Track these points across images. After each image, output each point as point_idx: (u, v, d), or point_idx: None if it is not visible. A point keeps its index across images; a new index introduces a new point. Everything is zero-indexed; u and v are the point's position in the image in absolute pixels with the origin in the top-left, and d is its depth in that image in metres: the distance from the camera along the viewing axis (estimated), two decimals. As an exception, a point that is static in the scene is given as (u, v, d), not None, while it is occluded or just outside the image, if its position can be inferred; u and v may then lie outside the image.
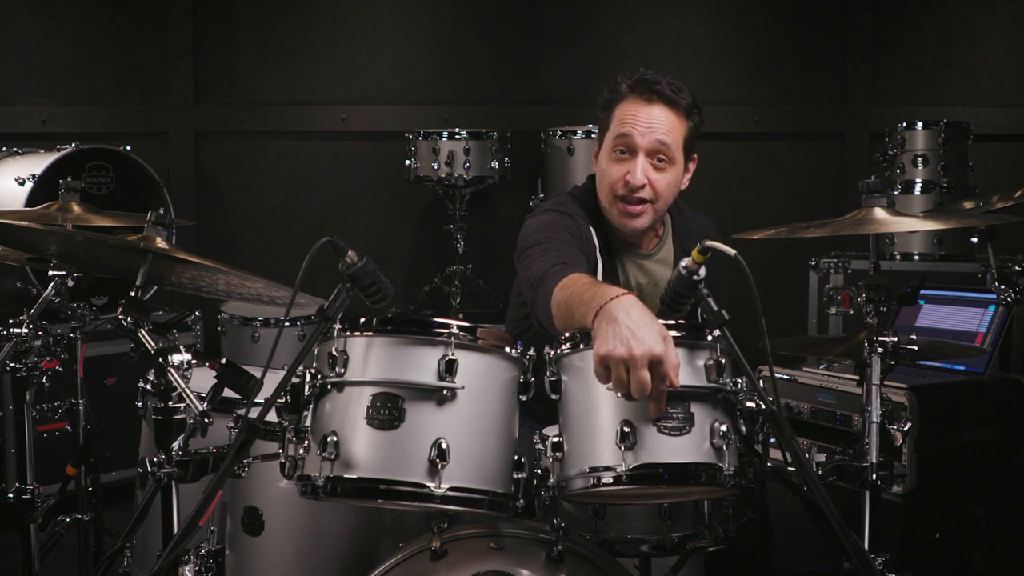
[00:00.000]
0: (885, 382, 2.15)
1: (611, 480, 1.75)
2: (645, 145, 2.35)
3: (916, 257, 4.16)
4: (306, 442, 1.81)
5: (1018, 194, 2.79)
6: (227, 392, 1.95)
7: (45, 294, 2.57)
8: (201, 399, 1.95)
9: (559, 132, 4.68)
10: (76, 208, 2.72)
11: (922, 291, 2.35)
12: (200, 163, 5.18)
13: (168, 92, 5.11)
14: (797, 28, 5.24)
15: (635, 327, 1.70)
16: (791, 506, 2.04)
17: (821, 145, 5.28)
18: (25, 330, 2.50)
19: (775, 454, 1.81)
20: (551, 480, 1.85)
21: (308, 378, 1.83)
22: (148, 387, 2.20)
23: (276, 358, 1.88)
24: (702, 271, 1.83)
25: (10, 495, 2.56)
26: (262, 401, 1.81)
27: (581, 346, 1.84)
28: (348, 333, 1.83)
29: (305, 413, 1.82)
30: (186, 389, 1.95)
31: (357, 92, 5.23)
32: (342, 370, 1.81)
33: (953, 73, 5.09)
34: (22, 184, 3.86)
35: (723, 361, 1.79)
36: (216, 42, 5.16)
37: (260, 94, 5.21)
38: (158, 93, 5.11)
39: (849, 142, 5.22)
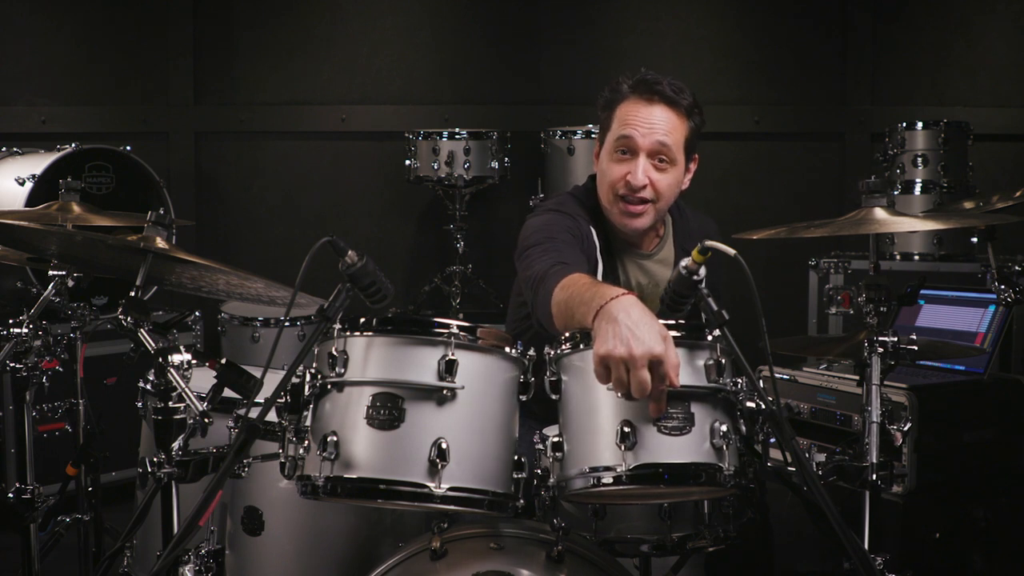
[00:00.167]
0: (885, 382, 2.15)
1: (611, 480, 1.75)
2: (646, 146, 2.35)
3: (916, 257, 4.16)
4: (306, 442, 1.81)
5: (1018, 194, 2.79)
6: (227, 392, 1.95)
7: (45, 294, 2.57)
8: (201, 399, 1.95)
9: (559, 132, 4.68)
10: (76, 208, 2.72)
11: (922, 291, 2.35)
12: (200, 163, 5.18)
13: (168, 92, 5.11)
14: (797, 28, 5.24)
15: (635, 327, 1.70)
16: (791, 506, 2.04)
17: (821, 145, 5.28)
18: (25, 330, 2.50)
19: (775, 454, 1.81)
20: (551, 480, 1.85)
21: (308, 378, 1.83)
22: (148, 387, 2.20)
23: (276, 358, 1.88)
24: (702, 271, 1.83)
25: (10, 495, 2.56)
26: (262, 401, 1.81)
27: (581, 346, 1.84)
28: (348, 333, 1.83)
29: (305, 413, 1.82)
30: (186, 389, 1.95)
31: (357, 92, 5.23)
32: (342, 370, 1.81)
33: (953, 73, 5.09)
34: (22, 184, 3.86)
35: (723, 361, 1.79)
36: (216, 42, 5.16)
37: (260, 94, 5.21)
38: (158, 93, 5.11)
39: (849, 142, 5.22)
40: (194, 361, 2.01)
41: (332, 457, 1.76)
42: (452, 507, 1.80)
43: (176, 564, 2.08)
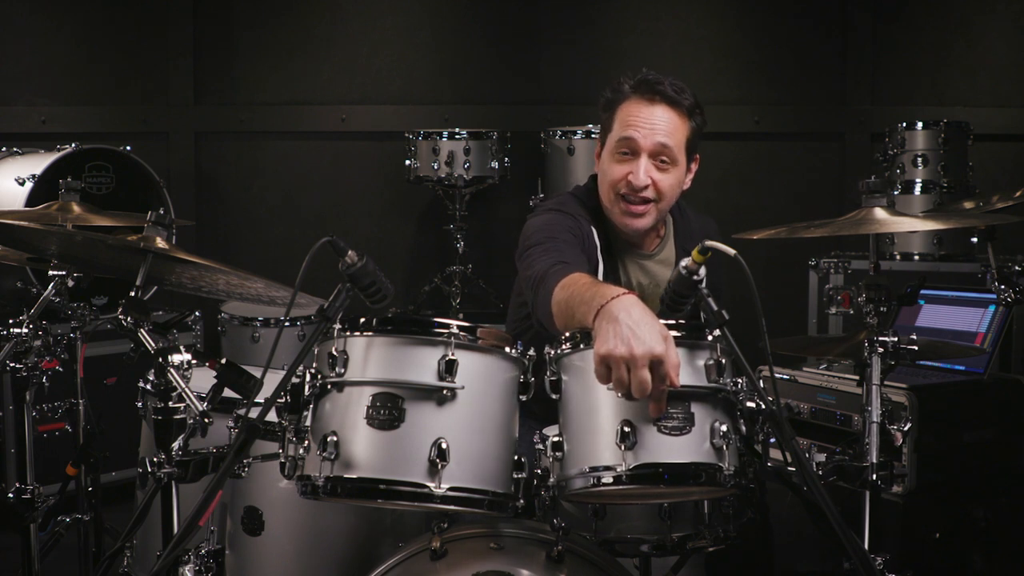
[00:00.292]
0: (885, 382, 2.15)
1: (611, 480, 1.75)
2: (648, 146, 2.35)
3: (916, 257, 4.16)
4: (306, 442, 1.81)
5: (1018, 194, 2.79)
6: (227, 392, 1.95)
7: (45, 294, 2.57)
8: (201, 399, 1.95)
9: (559, 132, 4.68)
10: (76, 208, 2.72)
11: (922, 291, 2.35)
12: (200, 163, 5.18)
13: (168, 92, 5.11)
14: (797, 28, 5.24)
15: (636, 326, 1.70)
16: (791, 506, 2.04)
17: (821, 145, 5.28)
18: (25, 330, 2.50)
19: (775, 454, 1.81)
20: (551, 480, 1.85)
21: (308, 378, 1.83)
22: (148, 387, 2.20)
23: (276, 358, 1.88)
24: (702, 271, 1.83)
25: (10, 495, 2.56)
26: (262, 401, 1.81)
27: (581, 346, 1.84)
28: (348, 333, 1.83)
29: (305, 413, 1.82)
30: (186, 389, 1.95)
31: (357, 92, 5.23)
32: (342, 370, 1.81)
33: (953, 73, 5.09)
34: (22, 184, 3.86)
35: (723, 361, 1.79)
36: (216, 42, 5.16)
37: (260, 94, 5.21)
38: (158, 93, 5.11)
39: (849, 142, 5.22)
40: (194, 361, 2.01)
41: (332, 457, 1.76)
42: (452, 507, 1.80)
43: (176, 564, 2.08)
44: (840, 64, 5.22)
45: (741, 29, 5.29)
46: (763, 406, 1.78)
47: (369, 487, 1.77)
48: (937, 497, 2.94)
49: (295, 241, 5.05)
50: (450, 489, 1.77)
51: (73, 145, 4.08)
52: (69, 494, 2.94)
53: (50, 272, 2.58)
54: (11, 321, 2.51)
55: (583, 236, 2.38)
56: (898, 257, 4.19)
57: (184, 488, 1.99)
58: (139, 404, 2.42)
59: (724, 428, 1.76)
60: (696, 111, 2.40)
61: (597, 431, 1.78)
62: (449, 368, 1.79)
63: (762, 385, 1.81)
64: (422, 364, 1.80)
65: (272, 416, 1.82)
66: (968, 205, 3.16)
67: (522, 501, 1.86)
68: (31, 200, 3.82)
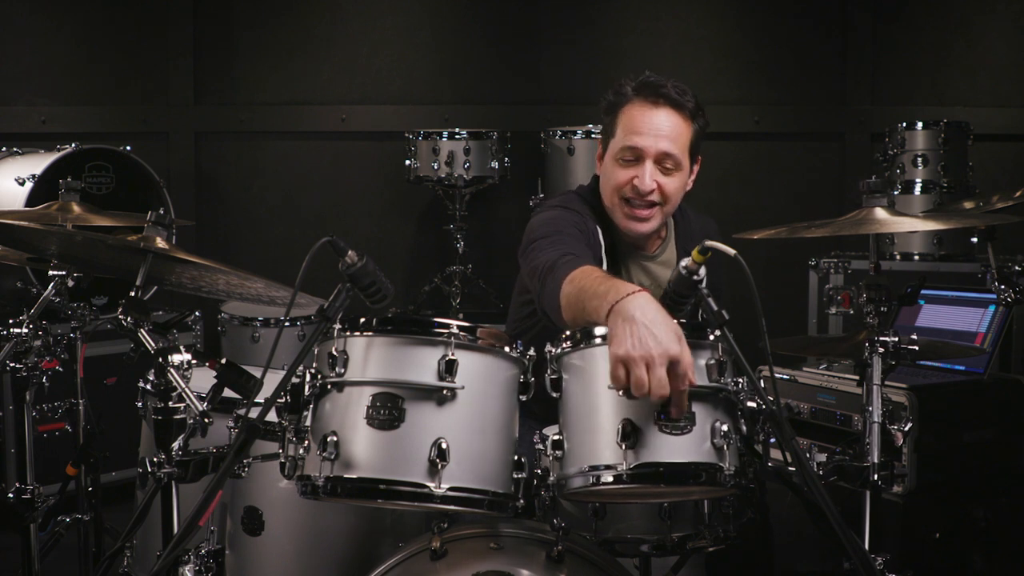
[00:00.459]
0: (885, 382, 2.15)
1: (611, 479, 1.75)
2: (653, 153, 2.35)
3: (916, 257, 4.16)
4: (306, 442, 1.81)
5: (1018, 194, 2.79)
6: (227, 392, 1.95)
7: (45, 294, 2.57)
8: (201, 399, 1.95)
9: (559, 132, 4.68)
10: (76, 208, 2.72)
11: (922, 291, 2.35)
12: (200, 163, 5.18)
13: (168, 92, 5.11)
14: (797, 28, 5.24)
15: (652, 326, 1.70)
16: (791, 506, 2.04)
17: (821, 145, 5.28)
18: (25, 330, 2.50)
19: (775, 454, 1.81)
20: (551, 479, 1.85)
21: (308, 378, 1.83)
22: (148, 387, 2.20)
23: (276, 358, 1.88)
24: (702, 271, 1.83)
25: (10, 495, 2.56)
26: (262, 401, 1.81)
27: (582, 345, 1.84)
28: (348, 333, 1.83)
29: (305, 413, 1.82)
30: (186, 389, 1.95)
31: (357, 92, 5.23)
32: (342, 370, 1.81)
33: (953, 73, 5.09)
34: (22, 184, 3.86)
35: (724, 361, 1.79)
36: (216, 42, 5.16)
37: (260, 94, 5.20)
38: (158, 93, 5.11)
39: (849, 142, 5.22)
40: (194, 361, 2.01)
41: (332, 457, 1.76)
42: (452, 507, 1.80)
43: (176, 564, 2.08)
44: (840, 64, 5.22)
45: (741, 29, 5.29)
46: (763, 406, 1.78)
47: (369, 487, 1.77)
48: (937, 497, 2.94)
49: (295, 241, 5.05)
50: (450, 489, 1.77)
51: (73, 145, 4.08)
52: (69, 494, 2.94)
53: (50, 272, 2.58)
54: (11, 321, 2.51)
55: (589, 233, 2.38)
56: (898, 257, 4.19)
57: (184, 488, 1.99)
58: (139, 404, 2.41)
59: (725, 428, 1.76)
60: (699, 113, 2.40)
61: (597, 430, 1.78)
62: (449, 368, 1.79)
63: (762, 385, 1.81)
64: (422, 364, 1.80)
65: (272, 416, 1.82)
66: (968, 205, 3.16)
67: (522, 501, 1.86)
68: (31, 200, 3.82)
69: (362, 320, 1.83)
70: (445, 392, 1.79)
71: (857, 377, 2.18)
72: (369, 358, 1.81)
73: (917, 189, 4.19)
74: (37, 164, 3.93)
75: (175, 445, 1.96)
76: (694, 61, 5.20)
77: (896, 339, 2.15)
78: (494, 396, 1.85)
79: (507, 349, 1.87)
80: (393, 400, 1.78)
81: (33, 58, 4.92)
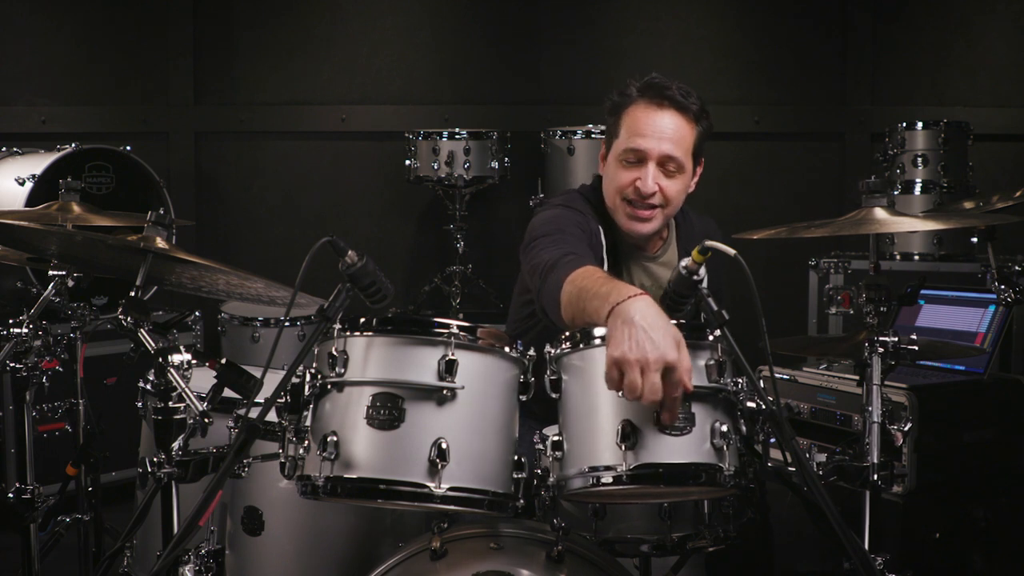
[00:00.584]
0: (885, 382, 2.15)
1: (611, 480, 1.75)
2: (656, 155, 2.35)
3: (916, 257, 4.16)
4: (306, 442, 1.81)
5: (1018, 194, 2.79)
6: (227, 392, 1.95)
7: (45, 294, 2.57)
8: (201, 399, 1.95)
9: (559, 132, 4.68)
10: (76, 208, 2.72)
11: (922, 291, 2.35)
12: (200, 163, 5.18)
13: (168, 92, 5.11)
14: (797, 28, 5.24)
15: (651, 330, 1.69)
16: (791, 506, 2.04)
17: (821, 145, 5.28)
18: (25, 330, 2.50)
19: (775, 454, 1.81)
20: (551, 479, 1.85)
21: (308, 378, 1.82)
22: (148, 387, 2.20)
23: (276, 358, 1.88)
24: (702, 271, 1.83)
25: (10, 495, 2.56)
26: (262, 401, 1.81)
27: (581, 345, 1.84)
28: (348, 333, 1.83)
29: (305, 413, 1.82)
30: (186, 389, 1.95)
31: (357, 92, 5.23)
32: (342, 370, 1.81)
33: (953, 73, 5.09)
34: (22, 184, 3.86)
35: (724, 361, 1.79)
36: (216, 42, 5.16)
37: (260, 94, 5.21)
38: (158, 93, 5.11)
39: (849, 142, 5.22)
40: (194, 361, 2.01)
41: (332, 457, 1.76)
42: (452, 507, 1.80)
43: (176, 564, 2.08)
44: (840, 64, 5.22)
45: (741, 29, 5.29)
46: (763, 406, 1.78)
47: (369, 487, 1.77)
48: (937, 497, 2.94)
49: (295, 241, 5.05)
50: (450, 489, 1.77)
51: (73, 145, 4.08)
52: (69, 494, 2.94)
53: (50, 272, 2.58)
54: (11, 321, 2.51)
55: (591, 233, 2.38)
56: (898, 257, 4.19)
57: (184, 488, 1.99)
58: (139, 404, 2.41)
59: (724, 428, 1.76)
60: (703, 116, 2.40)
61: (597, 431, 1.78)
62: (449, 368, 1.79)
63: (762, 385, 1.81)
64: (422, 364, 1.80)
65: (272, 416, 1.82)
66: (968, 205, 3.16)
67: (522, 501, 1.86)
68: (31, 200, 3.82)
69: (362, 320, 1.83)
70: (445, 392, 1.79)
71: (857, 377, 2.18)
72: (369, 358, 1.81)
73: (917, 189, 4.19)
74: (37, 164, 3.93)
75: (175, 445, 1.96)
76: (694, 61, 5.20)
77: (896, 339, 2.15)
78: (494, 396, 1.85)
79: (507, 349, 1.87)
80: (393, 400, 1.78)
81: (33, 58, 4.92)
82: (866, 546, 2.09)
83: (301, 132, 5.24)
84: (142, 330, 2.00)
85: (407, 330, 1.83)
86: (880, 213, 2.22)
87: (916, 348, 2.16)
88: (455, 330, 1.81)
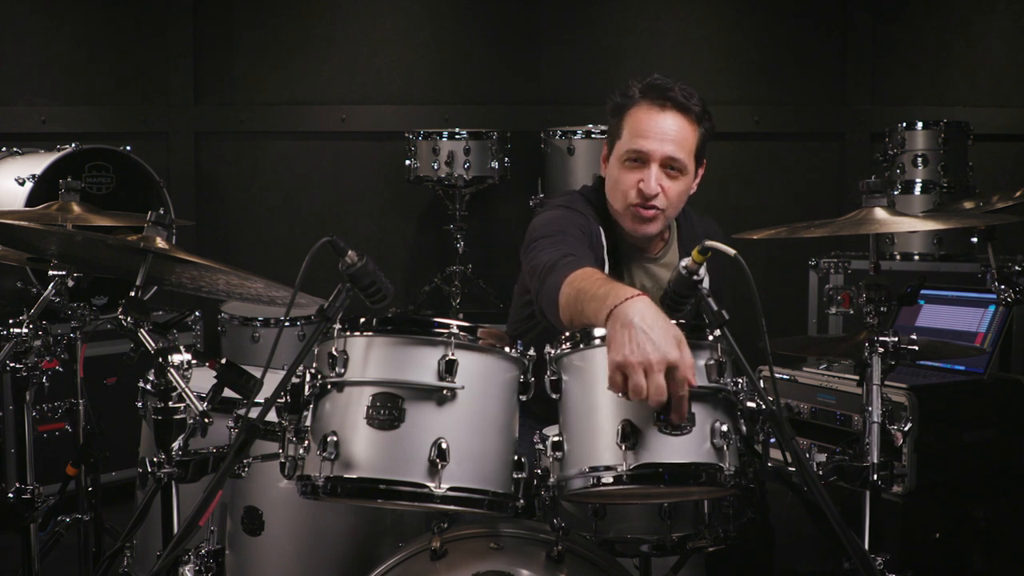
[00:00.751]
0: (885, 382, 2.15)
1: (611, 480, 1.75)
2: (658, 156, 2.34)
3: (916, 257, 4.16)
4: (306, 442, 1.81)
5: (1018, 194, 2.79)
6: (227, 392, 1.95)
7: (45, 294, 2.57)
8: (201, 399, 1.95)
9: (559, 132, 4.68)
10: (76, 208, 2.72)
11: (922, 291, 2.35)
12: (200, 163, 5.18)
13: (168, 92, 5.11)
14: (797, 28, 5.24)
15: (651, 331, 1.69)
16: (791, 506, 2.04)
17: (821, 145, 5.28)
18: (25, 330, 2.50)
19: (775, 454, 1.81)
20: (551, 480, 1.85)
21: (308, 378, 1.83)
22: (148, 387, 2.20)
23: (276, 358, 1.88)
24: (702, 271, 1.83)
25: (10, 495, 2.56)
26: (262, 401, 1.81)
27: (581, 346, 1.84)
28: (348, 333, 1.83)
29: (305, 413, 1.82)
30: (186, 389, 1.95)
31: (357, 92, 5.23)
32: (342, 370, 1.81)
33: (953, 73, 5.09)
34: (22, 184, 3.86)
35: (724, 361, 1.79)
36: (216, 42, 5.16)
37: (260, 94, 5.21)
38: (158, 93, 5.11)
39: (849, 142, 5.22)
40: (194, 361, 2.01)
41: (332, 457, 1.76)
42: (452, 507, 1.80)
43: (176, 564, 2.08)
44: (840, 64, 5.22)
45: (741, 29, 5.29)
46: (763, 406, 1.78)
47: (369, 487, 1.77)
48: (937, 497, 2.94)
49: (295, 241, 5.05)
50: (450, 489, 1.77)
51: (73, 145, 4.07)
52: (69, 494, 2.94)
53: (50, 272, 2.58)
54: (11, 321, 2.51)
55: (591, 235, 2.38)
56: (898, 257, 4.19)
57: (184, 488, 1.99)
58: (139, 404, 2.41)
59: (724, 428, 1.76)
60: (705, 117, 2.39)
61: (597, 431, 1.78)
62: (449, 368, 1.79)
63: (762, 385, 1.81)
64: (422, 364, 1.80)
65: (272, 416, 1.82)
66: (968, 205, 3.16)
67: (522, 501, 1.86)
68: (31, 200, 3.82)
69: (362, 320, 1.83)
70: (445, 392, 1.79)
71: (857, 377, 2.18)
72: (369, 358, 1.81)
73: (917, 189, 4.19)
74: (37, 164, 3.93)
75: (175, 445, 1.96)
76: (694, 61, 5.20)
77: (896, 339, 2.15)
78: (494, 396, 1.85)
79: (507, 349, 1.87)
80: (393, 400, 1.78)
81: (33, 58, 4.92)
82: (866, 546, 2.09)
83: (301, 132, 5.24)
84: (142, 330, 2.00)
85: (407, 330, 1.83)
86: (880, 213, 2.22)
87: (916, 348, 2.16)
88: (455, 330, 1.81)
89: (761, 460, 1.82)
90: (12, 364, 2.52)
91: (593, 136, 4.58)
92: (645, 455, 1.74)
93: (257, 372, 1.92)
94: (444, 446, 1.76)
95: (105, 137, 4.53)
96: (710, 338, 1.80)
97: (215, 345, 4.43)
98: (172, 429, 1.99)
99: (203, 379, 2.00)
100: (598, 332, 1.82)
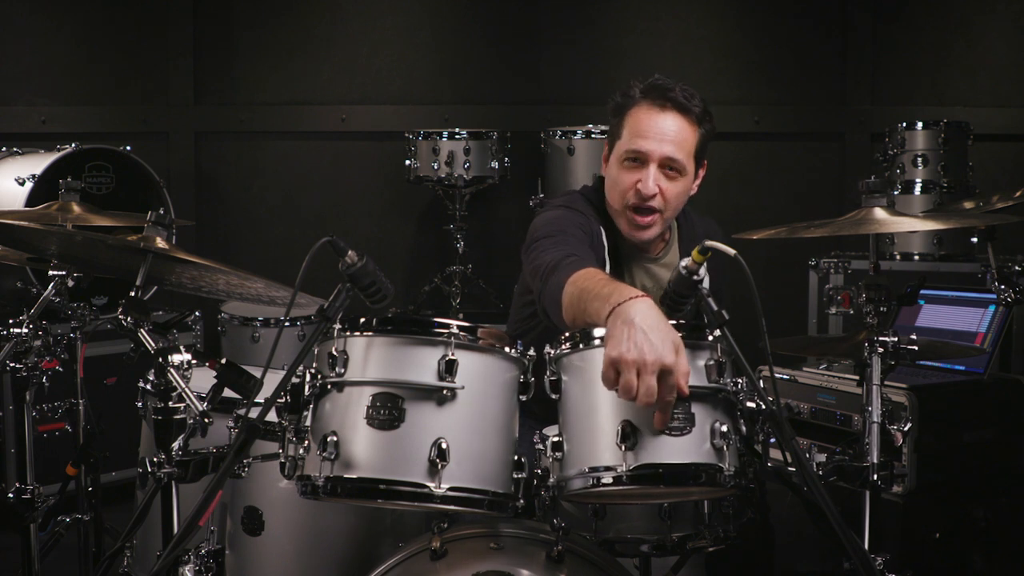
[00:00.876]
0: (885, 382, 2.15)
1: (611, 480, 1.75)
2: (657, 157, 2.34)
3: (916, 257, 4.16)
4: (306, 442, 1.81)
5: (1018, 194, 2.79)
6: (227, 392, 1.95)
7: (45, 294, 2.57)
8: (201, 399, 1.95)
9: (559, 132, 4.68)
10: (76, 208, 2.72)
11: (922, 291, 2.35)
12: (200, 163, 5.18)
13: (168, 92, 5.11)
14: (797, 28, 5.24)
15: (650, 332, 1.69)
16: (791, 506, 2.04)
17: (821, 145, 5.28)
18: (25, 330, 2.50)
19: (775, 454, 1.81)
20: (551, 480, 1.85)
21: (308, 378, 1.82)
22: (148, 387, 2.20)
23: (276, 358, 1.88)
24: (702, 271, 1.83)
25: (10, 495, 2.56)
26: (262, 401, 1.81)
27: (581, 346, 1.84)
28: (348, 333, 1.83)
29: (305, 413, 1.82)
30: (186, 389, 1.95)
31: (357, 92, 5.23)
32: (342, 370, 1.81)
33: (953, 73, 5.09)
34: (22, 184, 3.86)
35: (724, 361, 1.79)
36: (216, 42, 5.16)
37: (260, 94, 5.21)
38: (158, 93, 5.11)
39: (849, 142, 5.22)
40: (194, 361, 2.01)
41: (332, 457, 1.76)
42: (452, 507, 1.80)
43: (176, 564, 2.08)
44: (840, 64, 5.22)
45: (741, 29, 5.29)
46: (763, 406, 1.78)
47: (369, 487, 1.77)
48: (937, 497, 2.94)
49: (295, 241, 5.05)
50: (450, 489, 1.77)
51: (73, 145, 4.08)
52: (69, 494, 2.94)
53: (50, 272, 2.58)
54: (11, 321, 2.51)
55: (592, 235, 2.38)
56: (898, 257, 4.19)
57: (184, 488, 1.99)
58: (139, 404, 2.41)
59: (724, 428, 1.76)
60: (706, 118, 2.39)
61: (597, 431, 1.78)
62: (449, 368, 1.79)
63: (762, 385, 1.81)
64: (422, 364, 1.80)
65: (272, 416, 1.82)
66: (968, 205, 3.16)
67: (522, 501, 1.86)
68: (31, 200, 3.82)
69: (362, 320, 1.83)
70: (445, 392, 1.79)
71: (857, 377, 2.18)
72: (369, 358, 1.81)
73: (917, 189, 4.20)
74: (37, 164, 3.93)
75: (175, 445, 1.96)
76: (694, 61, 5.20)
77: (896, 339, 2.15)
78: (494, 396, 1.85)
79: (507, 349, 1.87)
80: (393, 400, 1.78)
81: (33, 58, 4.92)
82: (866, 546, 2.09)
83: (301, 132, 5.24)
84: (142, 330, 2.00)
85: (407, 330, 1.83)
86: (880, 213, 2.22)
87: (916, 348, 2.16)
88: (455, 330, 1.81)
89: (761, 460, 1.82)
90: (12, 364, 2.52)
91: (593, 136, 4.58)
92: (645, 455, 1.74)
93: (257, 372, 1.92)
94: (444, 446, 1.76)
95: (105, 137, 4.53)
96: (710, 338, 1.80)
97: (215, 345, 4.44)
98: (172, 429, 1.99)
99: (203, 379, 2.00)
100: (598, 332, 1.82)
